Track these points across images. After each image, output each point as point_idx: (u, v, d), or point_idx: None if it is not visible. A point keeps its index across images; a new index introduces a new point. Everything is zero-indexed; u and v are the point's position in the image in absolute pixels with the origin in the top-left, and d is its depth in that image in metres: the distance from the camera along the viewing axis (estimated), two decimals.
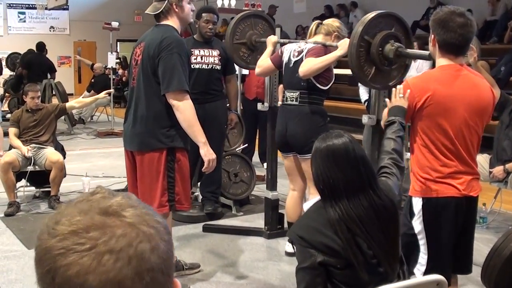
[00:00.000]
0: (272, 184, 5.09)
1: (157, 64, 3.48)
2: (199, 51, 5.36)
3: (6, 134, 6.54)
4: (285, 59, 4.34)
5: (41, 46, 12.29)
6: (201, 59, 5.35)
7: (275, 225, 5.13)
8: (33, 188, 6.35)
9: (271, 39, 4.61)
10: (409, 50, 3.45)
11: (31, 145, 5.98)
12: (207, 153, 3.57)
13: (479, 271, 2.23)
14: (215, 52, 5.45)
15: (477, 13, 11.79)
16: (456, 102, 2.83)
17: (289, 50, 4.33)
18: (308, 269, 2.22)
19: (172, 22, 3.64)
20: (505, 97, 5.17)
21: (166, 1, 3.58)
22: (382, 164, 2.63)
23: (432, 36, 2.89)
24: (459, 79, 2.87)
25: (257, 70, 4.57)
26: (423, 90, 2.83)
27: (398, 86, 2.84)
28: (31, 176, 6.01)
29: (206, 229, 5.22)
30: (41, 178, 6.11)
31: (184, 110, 3.49)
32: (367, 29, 3.42)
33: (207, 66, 5.38)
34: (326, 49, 4.13)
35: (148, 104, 3.56)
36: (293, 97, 4.26)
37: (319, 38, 4.30)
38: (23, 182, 6.07)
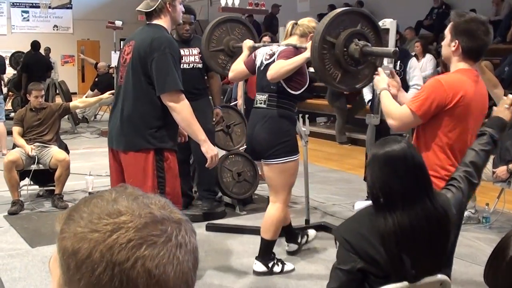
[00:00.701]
0: None
1: (149, 65, 3.42)
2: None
3: (9, 133, 6.54)
4: (257, 62, 4.22)
5: (35, 46, 12.11)
6: (182, 59, 5.31)
7: None
8: (36, 186, 6.36)
9: (247, 43, 4.51)
10: (374, 48, 3.33)
11: (35, 144, 6.00)
12: (208, 150, 3.59)
13: (481, 271, 2.24)
14: (195, 51, 5.43)
15: (481, 13, 11.72)
16: (476, 107, 2.92)
17: (262, 54, 4.22)
18: (346, 271, 2.18)
19: (164, 21, 3.58)
20: None
21: (160, 0, 3.53)
22: (454, 175, 2.53)
23: (457, 42, 2.92)
24: (477, 85, 2.95)
25: (230, 74, 4.46)
26: (456, 90, 2.84)
27: (510, 96, 2.75)
28: (35, 175, 6.02)
29: (209, 228, 5.23)
30: (44, 177, 6.13)
31: (181, 110, 3.46)
32: (329, 29, 3.29)
33: (188, 66, 5.34)
34: (297, 51, 3.97)
35: (136, 104, 3.50)
36: (262, 100, 4.11)
37: (294, 39, 4.13)
38: (26, 180, 6.08)
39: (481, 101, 2.96)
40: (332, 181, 7.60)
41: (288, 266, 4.35)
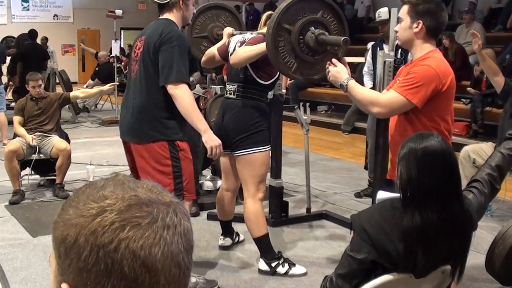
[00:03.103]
0: (276, 172, 5.10)
1: (159, 58, 3.47)
2: None
3: (10, 122, 6.52)
4: (230, 50, 4.12)
5: (33, 34, 11.88)
6: None
7: (279, 213, 5.15)
8: (37, 176, 6.37)
9: (226, 30, 4.40)
10: (327, 36, 3.22)
11: (36, 134, 6.00)
12: (208, 140, 3.54)
13: (483, 259, 2.24)
14: None
15: (482, 0, 11.73)
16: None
17: (235, 41, 4.13)
18: (358, 260, 2.15)
19: (174, 16, 3.61)
20: (509, 85, 5.15)
21: None
22: (478, 177, 2.45)
23: (420, 22, 2.93)
24: None
25: (203, 58, 4.36)
26: (447, 73, 2.90)
27: None
28: (36, 165, 6.02)
29: (210, 217, 5.23)
30: (45, 166, 6.13)
31: (182, 99, 3.46)
32: (286, 16, 3.20)
33: None
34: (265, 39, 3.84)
35: (148, 96, 3.54)
36: (232, 90, 4.03)
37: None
38: (27, 170, 6.09)
39: None
40: (333, 169, 7.60)
41: (298, 269, 4.16)
